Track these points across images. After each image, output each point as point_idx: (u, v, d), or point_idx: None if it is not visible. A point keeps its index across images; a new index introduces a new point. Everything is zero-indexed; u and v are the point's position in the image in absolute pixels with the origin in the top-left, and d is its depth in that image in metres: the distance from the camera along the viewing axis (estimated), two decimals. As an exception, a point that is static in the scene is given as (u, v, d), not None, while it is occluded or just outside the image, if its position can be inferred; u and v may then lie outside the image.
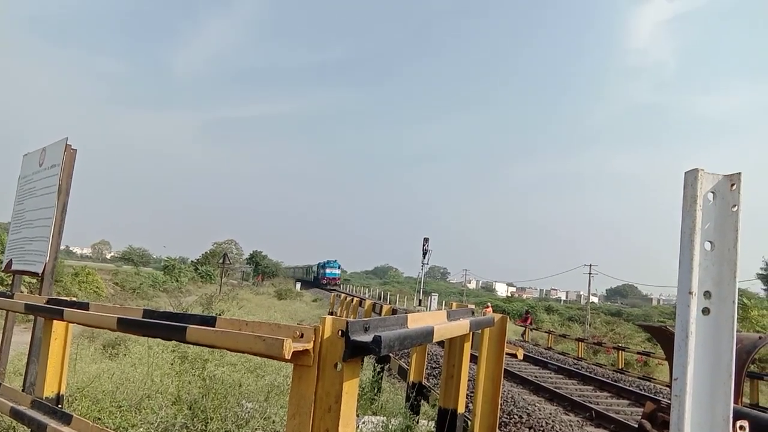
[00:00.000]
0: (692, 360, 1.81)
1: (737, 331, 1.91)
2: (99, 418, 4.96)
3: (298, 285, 67.94)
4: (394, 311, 9.02)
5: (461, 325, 3.43)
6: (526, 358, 17.93)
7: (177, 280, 47.63)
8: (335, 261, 79.54)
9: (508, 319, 4.33)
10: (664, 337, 5.16)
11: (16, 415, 3.96)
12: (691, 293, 1.83)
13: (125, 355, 9.39)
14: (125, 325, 3.06)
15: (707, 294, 1.85)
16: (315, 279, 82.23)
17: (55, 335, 4.01)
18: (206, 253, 77.52)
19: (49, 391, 3.98)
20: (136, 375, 6.90)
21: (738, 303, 1.86)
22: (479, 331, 4.14)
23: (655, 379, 17.43)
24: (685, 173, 1.92)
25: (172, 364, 7.70)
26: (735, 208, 1.86)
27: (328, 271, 78.28)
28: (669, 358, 4.89)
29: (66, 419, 3.57)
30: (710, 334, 1.84)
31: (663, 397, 11.20)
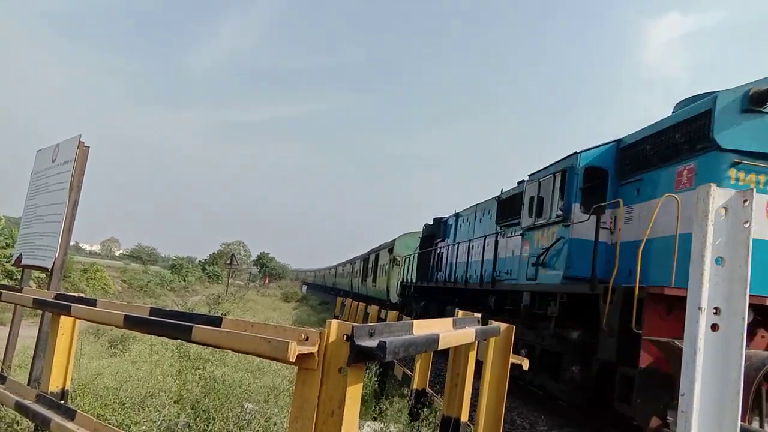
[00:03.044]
0: (700, 376, 1.80)
1: (746, 347, 1.89)
2: (102, 415, 4.98)
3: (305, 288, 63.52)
4: (399, 317, 9.00)
5: (467, 334, 3.41)
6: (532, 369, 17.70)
7: (184, 280, 47.75)
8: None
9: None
10: (671, 352, 5.11)
11: (20, 408, 3.98)
12: (700, 309, 1.82)
13: (130, 352, 9.43)
14: (131, 323, 3.07)
15: (717, 310, 1.84)
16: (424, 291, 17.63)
17: (62, 330, 4.04)
18: (214, 253, 77.62)
19: (54, 386, 4.01)
20: (140, 373, 6.91)
21: (747, 320, 1.84)
22: (485, 340, 4.12)
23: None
24: (698, 188, 1.91)
25: (174, 363, 7.72)
26: (747, 224, 1.84)
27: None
28: (676, 373, 4.84)
29: (70, 414, 3.58)
30: (719, 350, 1.82)
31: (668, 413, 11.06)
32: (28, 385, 5.03)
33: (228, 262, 45.49)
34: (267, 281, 75.09)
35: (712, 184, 1.92)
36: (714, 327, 1.85)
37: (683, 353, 1.84)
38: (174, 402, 5.66)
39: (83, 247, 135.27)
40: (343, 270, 45.25)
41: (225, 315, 5.53)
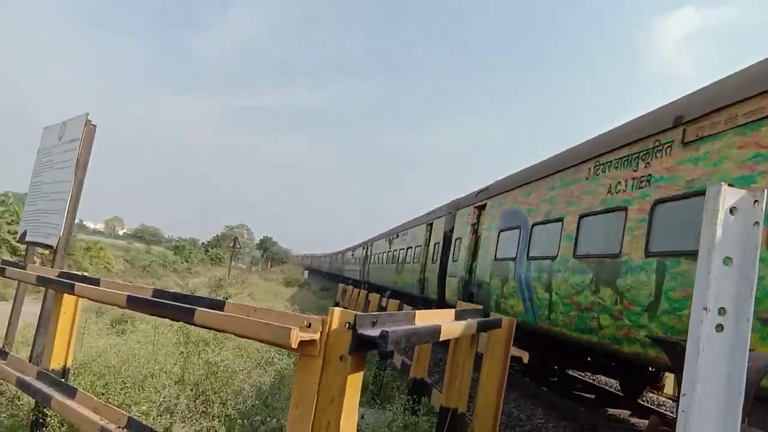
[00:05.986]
0: (702, 376, 1.79)
1: (750, 349, 1.88)
2: (103, 394, 5.01)
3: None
4: (400, 307, 9.02)
5: (468, 325, 3.41)
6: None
7: (186, 261, 47.98)
8: None
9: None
10: (674, 351, 5.09)
11: (21, 385, 4.01)
12: (705, 309, 1.81)
13: (132, 332, 9.47)
14: (134, 303, 3.08)
15: (722, 310, 1.83)
16: None
17: (64, 309, 4.05)
18: (217, 236, 77.95)
19: (55, 363, 4.03)
20: (142, 353, 6.94)
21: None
22: (485, 332, 4.12)
23: (659, 392, 17.23)
24: (708, 187, 1.89)
25: (176, 343, 7.74)
26: (756, 225, 1.82)
27: None
28: (678, 372, 4.82)
29: (71, 392, 3.60)
30: (722, 351, 1.81)
31: (666, 410, 11.11)
32: (30, 361, 5.06)
33: (231, 245, 45.66)
34: (270, 265, 75.31)
35: (723, 183, 1.89)
36: (719, 327, 1.84)
37: (686, 353, 1.83)
38: (175, 383, 5.69)
39: (87, 225, 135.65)
40: (353, 255, 38.21)
41: (227, 299, 5.53)
